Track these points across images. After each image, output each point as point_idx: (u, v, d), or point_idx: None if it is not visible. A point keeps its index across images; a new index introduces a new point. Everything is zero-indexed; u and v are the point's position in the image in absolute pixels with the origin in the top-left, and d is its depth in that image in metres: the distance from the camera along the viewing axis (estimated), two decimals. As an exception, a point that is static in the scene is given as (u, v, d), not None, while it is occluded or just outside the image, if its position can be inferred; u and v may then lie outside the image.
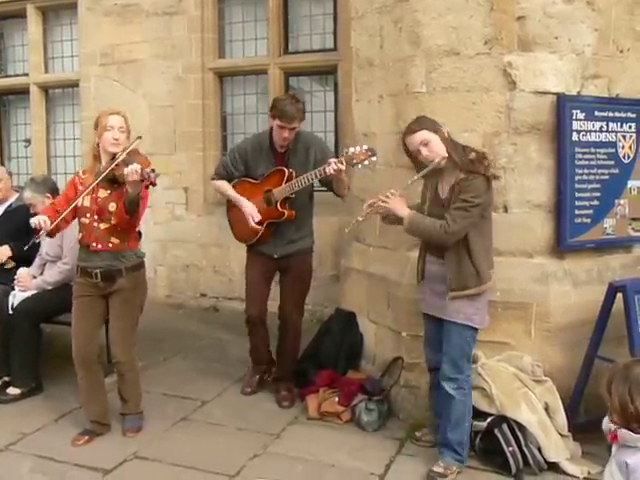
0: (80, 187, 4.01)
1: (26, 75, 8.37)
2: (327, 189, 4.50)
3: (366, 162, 4.07)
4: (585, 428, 3.87)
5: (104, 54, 7.58)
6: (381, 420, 4.25)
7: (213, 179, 4.76)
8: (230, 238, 4.83)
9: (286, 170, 4.40)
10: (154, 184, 3.76)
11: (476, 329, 3.59)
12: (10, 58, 8.69)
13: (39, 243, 4.61)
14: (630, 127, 4.26)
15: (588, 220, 4.14)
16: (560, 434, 3.76)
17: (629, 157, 4.28)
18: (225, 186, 4.64)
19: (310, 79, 7.17)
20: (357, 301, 4.94)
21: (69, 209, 3.92)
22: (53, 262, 4.93)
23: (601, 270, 4.22)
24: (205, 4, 7.17)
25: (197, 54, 7.22)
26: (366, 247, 4.87)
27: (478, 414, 3.78)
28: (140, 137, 4.06)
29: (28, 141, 8.55)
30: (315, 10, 6.98)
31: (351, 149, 4.07)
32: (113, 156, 3.91)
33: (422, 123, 3.56)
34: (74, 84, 8.02)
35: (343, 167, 4.06)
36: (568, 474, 3.63)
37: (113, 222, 3.92)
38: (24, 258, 5.09)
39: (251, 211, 4.44)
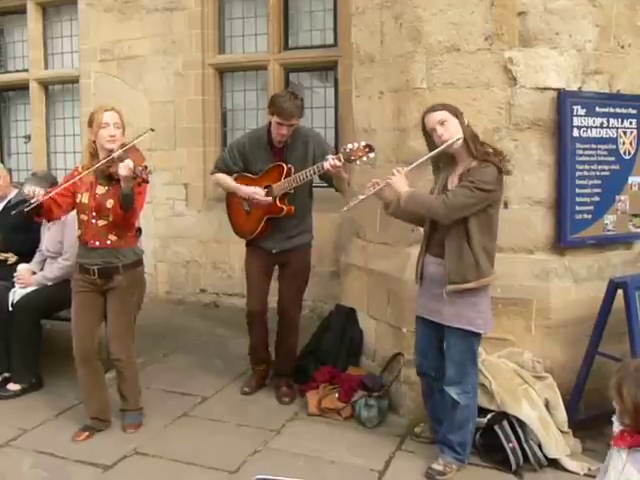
0: (78, 182, 4.00)
1: (26, 71, 8.37)
2: (327, 184, 4.49)
3: (364, 158, 4.06)
4: (585, 424, 3.88)
5: (104, 50, 7.57)
6: (381, 416, 4.25)
7: (213, 173, 4.75)
8: (230, 234, 4.83)
9: (285, 166, 4.39)
10: (146, 181, 3.74)
11: (479, 334, 3.52)
12: (10, 54, 8.68)
13: (36, 226, 4.60)
14: (631, 123, 4.26)
15: (589, 216, 4.14)
16: (560, 430, 3.76)
17: (630, 153, 4.28)
18: (225, 178, 4.64)
19: (310, 75, 7.17)
20: (357, 297, 4.93)
21: (61, 186, 3.93)
22: (53, 258, 4.92)
23: (602, 266, 4.21)
24: (205, 0, 7.16)
25: (197, 50, 7.21)
26: (366, 243, 4.87)
27: (478, 410, 3.78)
28: (152, 129, 4.12)
29: (28, 137, 8.55)
30: (315, 6, 6.97)
31: (349, 146, 4.07)
32: (110, 152, 3.90)
33: (445, 105, 3.50)
34: (74, 80, 8.01)
35: (340, 164, 4.05)
36: (568, 470, 3.63)
37: (111, 219, 3.92)
38: (24, 253, 5.09)
39: (254, 191, 4.42)
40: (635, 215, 4.34)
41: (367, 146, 4.04)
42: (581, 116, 4.05)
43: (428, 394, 3.83)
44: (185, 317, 6.84)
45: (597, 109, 4.11)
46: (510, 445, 3.64)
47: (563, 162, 4.03)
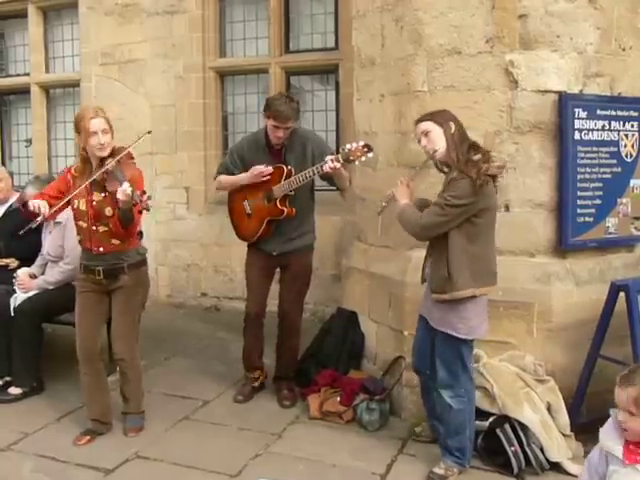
0: (71, 182, 3.99)
1: (27, 75, 8.37)
2: (329, 184, 4.49)
3: (363, 158, 4.06)
4: (587, 428, 3.85)
5: (105, 54, 7.58)
6: (382, 420, 4.25)
7: (215, 178, 4.75)
8: (231, 237, 4.83)
9: (285, 167, 4.39)
10: (147, 209, 3.68)
11: (465, 339, 3.51)
12: (11, 58, 8.69)
13: (37, 230, 4.61)
14: (632, 126, 4.25)
15: (590, 219, 4.13)
16: (562, 434, 3.76)
17: (631, 156, 4.27)
18: (224, 177, 4.63)
19: (311, 78, 7.17)
20: (358, 300, 4.93)
21: (63, 202, 3.90)
22: (54, 262, 4.92)
23: (603, 269, 4.21)
24: (206, 3, 7.17)
25: (198, 53, 7.21)
26: (367, 246, 4.87)
27: (480, 414, 3.78)
28: (149, 132, 4.12)
29: (29, 141, 8.55)
30: (316, 9, 6.97)
31: (347, 146, 4.07)
32: (102, 161, 3.89)
33: (433, 114, 3.54)
34: (75, 84, 8.01)
35: (339, 165, 4.06)
36: (570, 474, 3.62)
37: (111, 226, 3.91)
38: (26, 258, 5.10)
39: (257, 170, 4.38)
40: (637, 218, 4.33)
41: (365, 146, 4.04)
42: (582, 119, 4.05)
43: (425, 391, 3.85)
44: (186, 321, 6.84)
45: (598, 112, 4.11)
46: (512, 448, 3.64)
47: (564, 165, 4.02)
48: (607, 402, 3.60)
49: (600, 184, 4.16)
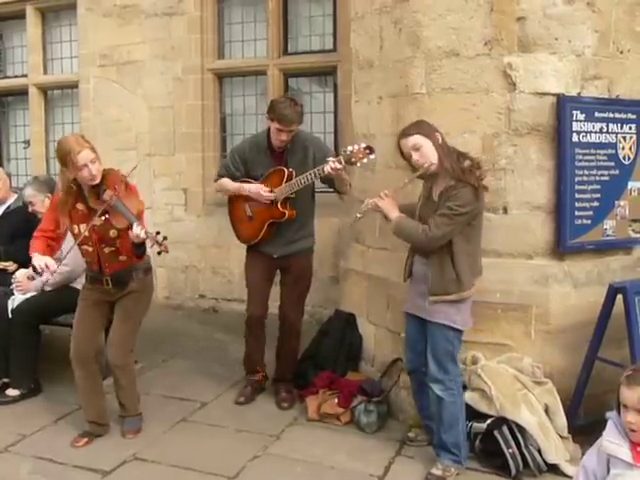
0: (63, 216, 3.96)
1: (25, 76, 8.38)
2: (330, 187, 4.49)
3: (364, 160, 4.07)
4: (585, 430, 3.86)
5: (103, 55, 7.58)
6: (380, 421, 4.25)
7: (216, 180, 4.74)
8: (229, 239, 4.83)
9: (286, 170, 4.39)
10: (167, 251, 3.64)
11: (460, 330, 3.62)
12: (9, 59, 8.69)
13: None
14: (630, 128, 4.25)
15: (588, 221, 4.13)
16: (560, 436, 3.76)
17: (629, 158, 4.27)
18: (227, 181, 4.62)
19: (309, 80, 7.18)
20: (356, 302, 4.93)
21: (73, 246, 3.95)
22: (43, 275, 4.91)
23: (601, 271, 4.21)
24: (205, 5, 7.18)
25: (196, 55, 7.22)
26: (365, 248, 4.87)
27: (478, 416, 3.79)
28: (135, 166, 4.19)
29: (27, 142, 8.55)
30: (315, 11, 6.98)
31: (349, 148, 4.08)
32: (94, 187, 3.84)
33: (418, 127, 3.60)
34: (73, 85, 8.02)
35: (341, 166, 4.06)
36: (568, 476, 3.61)
37: (118, 245, 3.92)
38: (24, 261, 5.09)
39: (258, 189, 4.41)
40: (634, 220, 4.33)
41: (367, 147, 4.05)
42: (580, 121, 4.05)
43: (419, 392, 3.87)
44: (184, 322, 6.84)
45: (596, 114, 4.11)
46: (510, 450, 3.64)
47: (562, 167, 4.02)
48: (605, 404, 3.61)
49: (598, 186, 4.16)
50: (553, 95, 4.01)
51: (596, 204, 4.16)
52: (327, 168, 4.07)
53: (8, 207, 5.31)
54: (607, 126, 4.16)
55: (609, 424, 2.62)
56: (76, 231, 3.95)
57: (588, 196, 4.12)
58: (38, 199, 4.92)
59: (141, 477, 3.72)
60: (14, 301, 4.82)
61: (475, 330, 3.92)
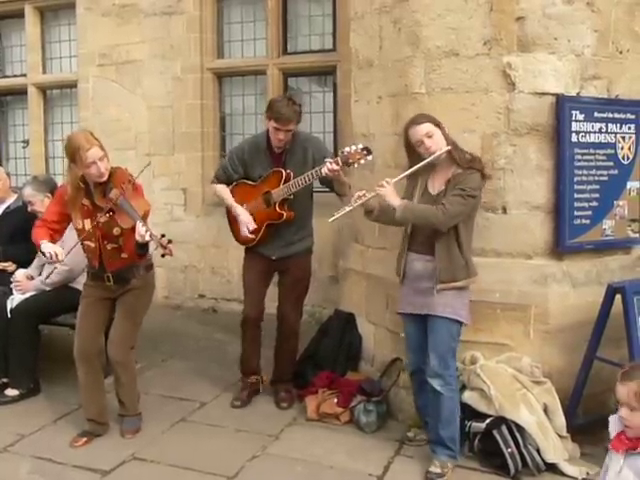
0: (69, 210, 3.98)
1: (24, 76, 8.37)
2: (329, 189, 4.49)
3: (362, 161, 4.07)
4: (584, 429, 3.88)
5: (102, 54, 7.58)
6: (380, 421, 4.25)
7: (213, 183, 4.74)
8: (229, 239, 4.82)
9: (284, 171, 4.39)
10: (171, 255, 3.63)
11: (462, 324, 3.65)
12: (8, 58, 8.68)
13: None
14: (629, 128, 4.25)
15: (587, 221, 4.14)
16: (559, 435, 3.76)
17: (628, 158, 4.28)
18: (223, 191, 4.61)
19: (309, 80, 7.18)
20: (356, 302, 4.93)
21: (74, 246, 3.94)
22: (51, 263, 4.91)
23: (600, 271, 4.21)
24: (204, 4, 7.17)
25: (196, 54, 7.21)
26: (365, 248, 4.87)
27: (477, 415, 3.79)
28: (148, 164, 4.21)
29: (26, 142, 8.54)
30: (314, 11, 6.98)
31: (346, 149, 4.07)
32: (102, 185, 3.87)
33: (426, 117, 3.67)
34: (72, 85, 8.02)
35: (338, 167, 4.05)
36: (567, 475, 3.63)
37: (121, 243, 3.93)
38: (24, 261, 5.10)
39: (246, 220, 4.43)
40: (633, 220, 4.34)
41: (364, 149, 4.04)
42: (580, 121, 4.05)
43: (420, 391, 3.87)
44: (183, 322, 6.84)
45: (596, 114, 4.11)
46: (509, 450, 3.65)
47: (562, 167, 4.03)
48: (603, 404, 3.63)
49: (597, 186, 4.16)
50: (552, 95, 4.01)
51: (595, 204, 4.16)
52: (324, 170, 4.07)
53: (8, 207, 5.30)
54: (606, 126, 4.17)
55: (612, 419, 2.65)
56: (80, 226, 3.95)
57: (587, 196, 4.13)
58: (37, 199, 4.91)
59: (140, 477, 3.72)
60: (13, 301, 4.81)
61: (474, 330, 3.93)
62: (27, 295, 4.85)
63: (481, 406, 3.81)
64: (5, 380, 4.76)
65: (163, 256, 3.66)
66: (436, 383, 3.61)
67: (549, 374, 3.97)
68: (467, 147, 3.77)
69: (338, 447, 4.01)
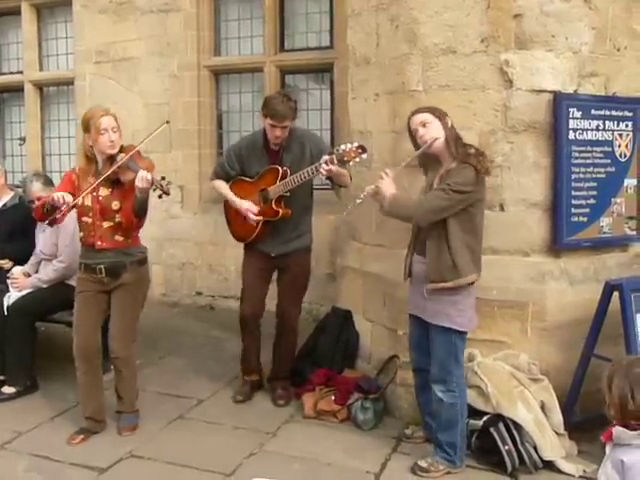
0: (77, 183, 3.98)
1: (21, 73, 8.35)
2: (331, 183, 4.50)
3: (357, 159, 4.06)
4: (581, 427, 3.88)
5: (99, 52, 7.56)
6: (377, 418, 4.25)
7: (212, 179, 4.74)
8: (226, 236, 4.82)
9: (280, 168, 4.38)
10: (167, 193, 3.74)
11: (462, 331, 3.59)
12: (5, 56, 8.67)
13: (30, 230, 4.57)
14: (627, 125, 4.26)
15: (584, 219, 4.14)
16: (556, 433, 3.77)
17: (625, 156, 4.28)
18: (222, 186, 4.63)
19: (306, 77, 7.16)
20: (353, 300, 4.93)
21: (78, 199, 3.87)
22: (48, 260, 4.91)
23: (597, 269, 4.22)
24: (201, 1, 7.15)
25: (193, 52, 7.19)
26: (362, 245, 4.86)
27: (474, 413, 3.79)
28: (168, 122, 4.31)
29: (23, 139, 8.53)
30: (311, 8, 6.97)
31: (342, 147, 4.06)
32: (110, 156, 3.89)
33: (430, 108, 3.64)
34: (69, 82, 7.99)
35: (333, 167, 4.05)
36: (564, 473, 3.64)
37: (117, 220, 3.93)
38: (21, 259, 5.09)
39: (248, 207, 4.42)
40: (630, 217, 4.34)
41: (359, 147, 4.03)
42: (577, 119, 4.05)
43: (422, 388, 3.85)
44: (181, 319, 6.84)
45: (593, 112, 4.12)
46: (506, 447, 3.65)
47: (559, 164, 4.03)
48: (600, 401, 3.62)
49: (594, 184, 4.16)
50: (550, 92, 4.01)
51: (592, 201, 4.17)
52: (321, 169, 4.07)
53: (4, 204, 5.28)
54: (604, 123, 4.17)
55: None
56: (80, 202, 3.93)
57: (584, 193, 4.13)
58: (47, 194, 4.90)
59: (137, 474, 3.71)
60: (10, 298, 4.81)
61: (472, 327, 3.93)
62: (24, 292, 4.84)
63: (478, 403, 3.81)
64: (2, 377, 4.75)
65: (160, 197, 3.77)
66: (437, 389, 3.60)
67: (546, 371, 3.97)
68: (464, 144, 3.77)
69: (335, 444, 4.01)
